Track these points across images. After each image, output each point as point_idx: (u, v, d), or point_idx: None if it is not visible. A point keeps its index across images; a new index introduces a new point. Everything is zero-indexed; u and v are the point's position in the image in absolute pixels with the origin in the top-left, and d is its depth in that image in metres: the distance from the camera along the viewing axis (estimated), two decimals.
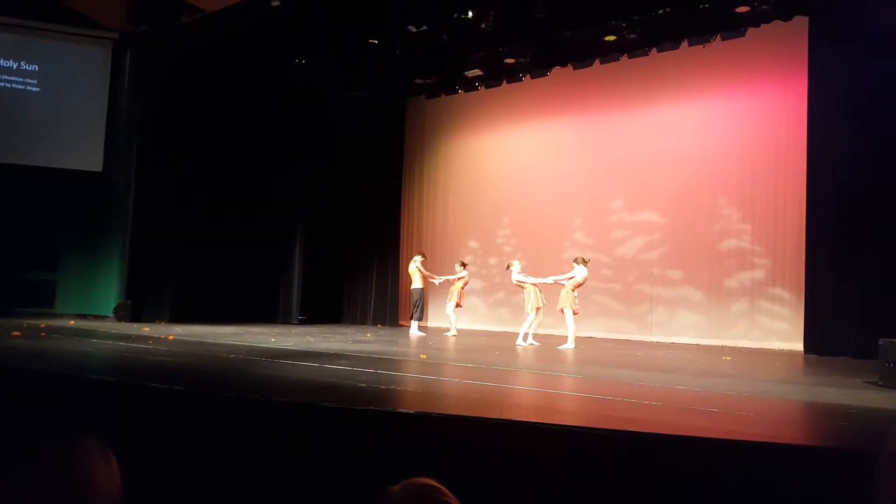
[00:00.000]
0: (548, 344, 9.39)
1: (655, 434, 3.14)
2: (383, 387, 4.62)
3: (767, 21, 9.54)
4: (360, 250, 13.67)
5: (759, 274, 10.28)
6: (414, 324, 10.99)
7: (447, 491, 1.29)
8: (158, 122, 12.11)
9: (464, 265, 11.06)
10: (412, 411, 3.58)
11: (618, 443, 3.01)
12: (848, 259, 8.42)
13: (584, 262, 9.21)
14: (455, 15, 10.14)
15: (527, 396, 4.70)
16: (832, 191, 8.68)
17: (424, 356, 7.11)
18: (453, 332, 10.76)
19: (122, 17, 12.01)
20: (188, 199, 12.09)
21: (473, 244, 13.50)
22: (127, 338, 8.15)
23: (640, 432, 3.16)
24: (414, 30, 10.67)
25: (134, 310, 11.68)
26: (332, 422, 3.58)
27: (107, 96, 12.82)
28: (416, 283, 11.16)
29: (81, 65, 12.79)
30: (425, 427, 3.39)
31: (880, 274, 8.10)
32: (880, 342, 5.64)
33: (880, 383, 5.50)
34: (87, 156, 12.74)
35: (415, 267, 11.21)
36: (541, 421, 3.33)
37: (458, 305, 10.84)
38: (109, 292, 12.41)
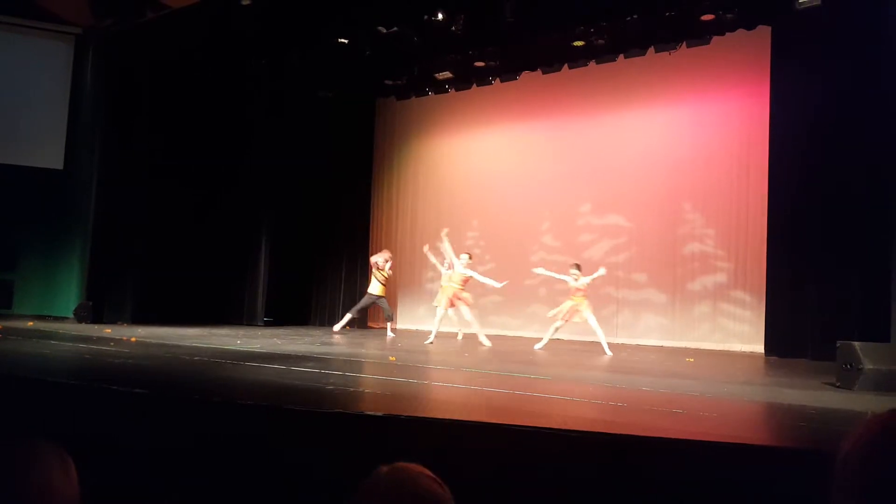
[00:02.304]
0: (515, 346, 9.44)
1: (621, 435, 3.18)
2: (351, 389, 4.60)
3: (732, 29, 9.74)
4: (328, 252, 13.57)
5: (721, 277, 10.48)
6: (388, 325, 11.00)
7: (435, 477, 1.27)
8: (121, 119, 11.85)
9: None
10: (380, 414, 3.56)
11: (584, 444, 3.04)
12: (807, 264, 8.64)
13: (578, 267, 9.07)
14: (425, 17, 10.14)
15: (494, 398, 4.71)
16: (793, 197, 8.90)
17: (393, 358, 7.08)
18: (460, 334, 10.61)
19: (85, 12, 11.76)
20: (151, 199, 11.84)
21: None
22: (87, 339, 7.96)
23: (606, 433, 3.19)
24: (384, 31, 10.64)
25: (95, 311, 11.39)
26: (298, 425, 3.54)
27: (69, 92, 12.52)
28: (374, 287, 10.98)
29: (42, 60, 12.46)
30: (393, 430, 3.37)
31: (839, 278, 8.32)
32: (838, 344, 5.79)
33: (838, 384, 5.64)
34: (48, 153, 12.42)
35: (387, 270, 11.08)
36: (508, 422, 3.34)
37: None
38: (70, 293, 12.12)
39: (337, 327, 11.14)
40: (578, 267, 9.13)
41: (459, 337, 10.50)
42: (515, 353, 8.65)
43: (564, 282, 9.24)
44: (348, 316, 11.07)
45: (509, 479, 3.01)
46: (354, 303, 13.32)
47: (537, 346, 9.12)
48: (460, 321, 10.43)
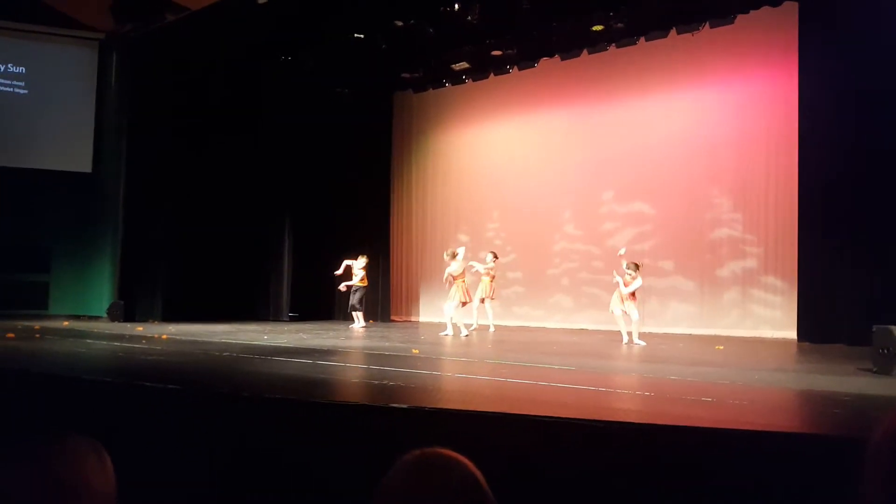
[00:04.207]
0: (538, 336, 9.40)
1: (649, 424, 3.15)
2: (376, 382, 4.62)
3: (756, 7, 9.52)
4: (349, 246, 13.56)
5: (750, 262, 10.30)
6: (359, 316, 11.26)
7: (466, 461, 1.22)
8: (146, 121, 12.04)
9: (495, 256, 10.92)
10: (405, 406, 3.58)
11: (612, 434, 3.02)
12: (841, 246, 8.41)
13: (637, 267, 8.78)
14: (441, 8, 10.09)
15: (520, 389, 4.70)
16: (824, 177, 8.64)
17: (416, 351, 7.11)
18: (475, 327, 10.70)
19: (107, 18, 11.93)
20: (178, 198, 12.04)
21: (463, 237, 13.46)
22: (121, 338, 8.12)
23: (634, 423, 3.16)
24: (400, 23, 10.62)
25: (127, 310, 11.67)
26: (325, 417, 3.57)
27: (95, 96, 12.75)
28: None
29: (69, 66, 12.70)
30: (418, 421, 3.38)
31: (873, 260, 8.09)
32: (874, 329, 5.64)
33: (874, 370, 5.50)
34: (77, 157, 12.68)
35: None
36: (535, 413, 3.33)
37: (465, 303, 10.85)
38: (102, 292, 12.38)
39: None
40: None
41: (473, 328, 10.56)
42: (539, 343, 8.62)
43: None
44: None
45: (535, 470, 3.00)
46: (377, 296, 13.45)
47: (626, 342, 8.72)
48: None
